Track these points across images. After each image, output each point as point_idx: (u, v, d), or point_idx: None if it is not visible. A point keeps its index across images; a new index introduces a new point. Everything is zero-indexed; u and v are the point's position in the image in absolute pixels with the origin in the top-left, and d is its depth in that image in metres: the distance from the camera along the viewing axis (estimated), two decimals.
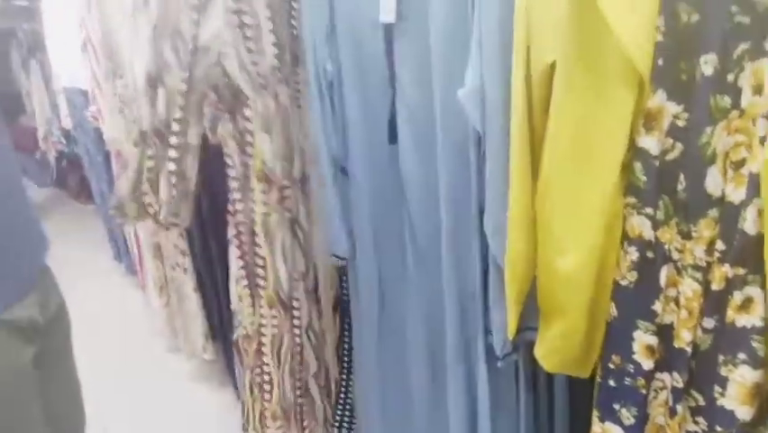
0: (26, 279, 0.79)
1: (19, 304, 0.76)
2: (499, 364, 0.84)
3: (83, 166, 2.87)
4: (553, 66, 0.66)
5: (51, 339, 0.84)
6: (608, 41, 0.60)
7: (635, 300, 0.66)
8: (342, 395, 1.39)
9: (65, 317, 0.90)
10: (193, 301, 1.86)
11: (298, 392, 1.31)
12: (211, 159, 1.43)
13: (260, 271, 1.15)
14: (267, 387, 1.26)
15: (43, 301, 0.82)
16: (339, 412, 1.41)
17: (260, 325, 1.21)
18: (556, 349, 0.75)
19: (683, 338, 0.63)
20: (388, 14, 0.81)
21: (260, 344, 1.23)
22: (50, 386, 0.83)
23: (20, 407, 0.77)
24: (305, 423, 1.35)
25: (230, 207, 1.16)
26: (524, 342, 0.84)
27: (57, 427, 0.86)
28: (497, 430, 0.93)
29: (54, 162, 3.89)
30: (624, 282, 0.66)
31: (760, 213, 0.54)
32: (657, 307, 0.65)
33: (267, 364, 1.24)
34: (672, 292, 0.65)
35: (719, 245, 0.59)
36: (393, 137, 0.89)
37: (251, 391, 1.29)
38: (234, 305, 1.23)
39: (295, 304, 1.22)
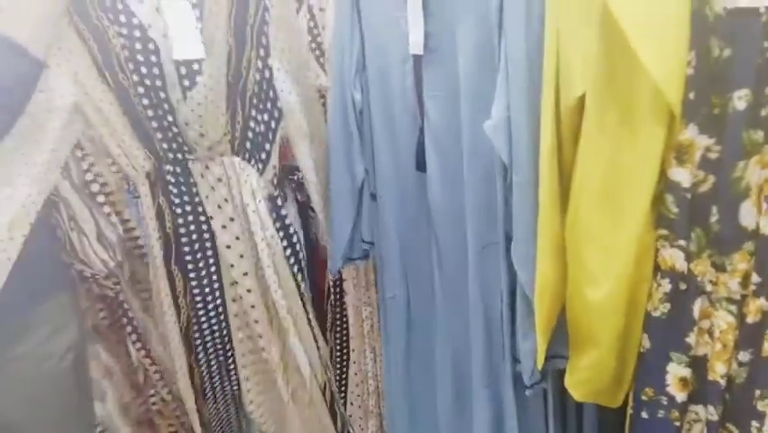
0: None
1: None
2: (528, 393, 0.84)
3: None
4: (582, 98, 0.67)
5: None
6: (639, 75, 0.60)
7: (668, 332, 0.66)
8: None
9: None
10: None
11: None
12: None
13: None
14: None
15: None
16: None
17: None
18: (587, 379, 0.75)
19: (718, 371, 0.63)
20: (417, 47, 0.82)
21: None
22: None
23: None
24: None
25: None
26: (552, 369, 0.84)
27: None
28: None
29: None
30: (656, 314, 0.66)
31: None
32: (691, 339, 0.65)
33: None
34: (705, 324, 0.64)
35: (755, 278, 0.58)
36: (421, 165, 0.90)
37: None
38: None
39: None
